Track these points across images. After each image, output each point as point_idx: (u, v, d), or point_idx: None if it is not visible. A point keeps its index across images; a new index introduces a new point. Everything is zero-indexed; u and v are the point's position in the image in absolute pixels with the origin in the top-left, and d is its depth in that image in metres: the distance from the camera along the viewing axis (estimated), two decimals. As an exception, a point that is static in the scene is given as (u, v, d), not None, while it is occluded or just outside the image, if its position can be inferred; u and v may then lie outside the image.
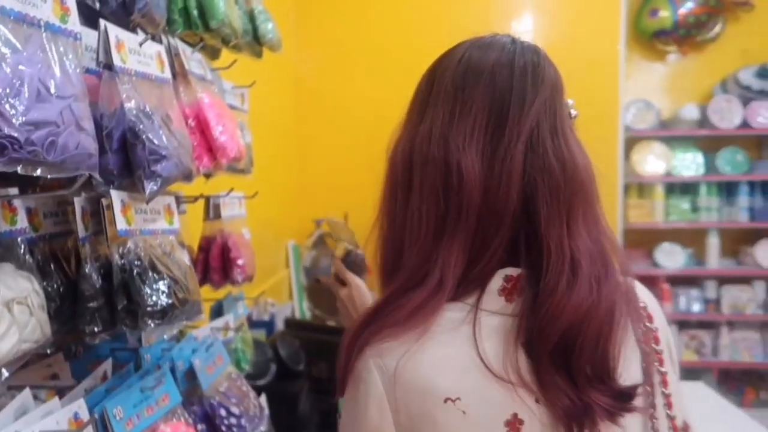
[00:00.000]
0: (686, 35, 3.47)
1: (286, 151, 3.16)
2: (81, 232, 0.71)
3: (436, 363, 0.58)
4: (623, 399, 0.59)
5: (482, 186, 0.60)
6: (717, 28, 3.48)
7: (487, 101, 0.63)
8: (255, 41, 1.17)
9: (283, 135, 3.11)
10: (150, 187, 0.69)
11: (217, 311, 1.24)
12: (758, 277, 3.35)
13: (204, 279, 1.18)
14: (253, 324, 1.96)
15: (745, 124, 3.37)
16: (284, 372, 1.61)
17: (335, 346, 2.06)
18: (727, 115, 3.38)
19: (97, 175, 0.64)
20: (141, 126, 0.69)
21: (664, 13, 3.45)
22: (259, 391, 1.27)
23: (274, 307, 2.14)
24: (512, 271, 0.61)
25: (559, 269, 0.58)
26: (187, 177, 0.79)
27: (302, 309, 2.89)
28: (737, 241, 3.50)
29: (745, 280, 3.38)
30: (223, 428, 0.90)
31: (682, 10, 3.43)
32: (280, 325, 2.06)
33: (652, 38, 3.51)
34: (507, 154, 0.61)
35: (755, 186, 3.41)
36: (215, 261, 1.16)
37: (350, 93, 3.30)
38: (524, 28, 3.24)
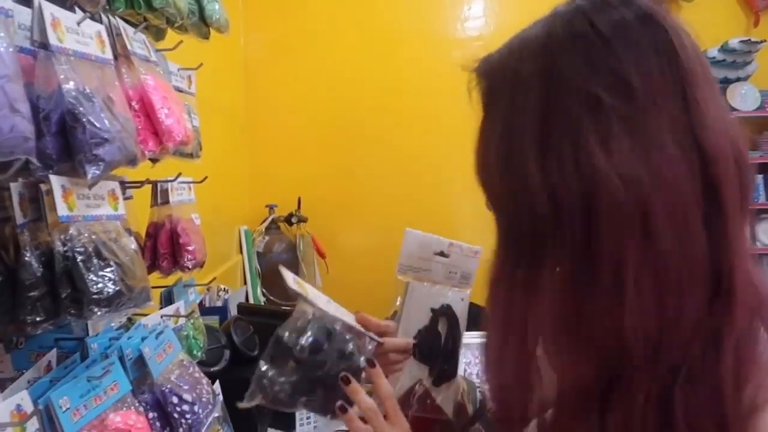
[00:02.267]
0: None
1: (238, 136, 3.11)
2: (19, 218, 0.68)
3: None
4: None
5: None
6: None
7: None
8: (201, 22, 1.15)
9: (235, 119, 3.05)
10: (92, 171, 0.67)
11: (168, 298, 1.22)
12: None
13: (153, 266, 1.15)
14: (206, 310, 1.93)
15: (685, 109, 3.49)
16: (238, 358, 1.60)
17: (290, 330, 2.00)
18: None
19: (34, 160, 0.61)
20: (81, 108, 0.67)
21: (611, 0, 3.53)
22: (213, 377, 1.26)
23: (227, 293, 2.12)
24: None
25: None
26: (132, 161, 0.77)
27: (256, 295, 2.87)
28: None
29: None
30: (176, 415, 0.89)
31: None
32: (233, 311, 2.04)
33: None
34: None
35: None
36: (164, 247, 1.14)
37: (302, 76, 3.27)
38: (475, 15, 3.26)
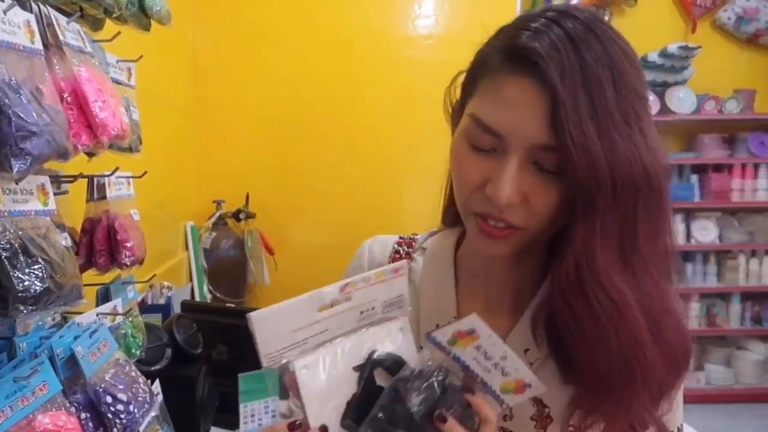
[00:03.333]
0: (576, 25, 3.66)
1: (185, 130, 3.04)
2: (-61, 213, 0.65)
3: None
4: None
5: None
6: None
7: None
8: (141, 13, 1.12)
9: (182, 113, 2.99)
10: (18, 166, 0.65)
11: (105, 296, 1.19)
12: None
13: (89, 263, 1.12)
14: (148, 308, 1.89)
15: (627, 111, 3.62)
16: (181, 356, 1.57)
17: (235, 328, 2.02)
18: (612, 102, 3.62)
19: (-46, 153, 0.59)
20: (6, 100, 0.64)
21: (556, 3, 3.63)
22: (153, 376, 1.23)
23: (170, 290, 2.07)
24: None
25: None
26: (63, 155, 0.75)
27: (202, 292, 2.82)
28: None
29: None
30: (109, 415, 0.87)
31: (573, 1, 3.62)
32: (177, 309, 2.00)
33: (546, 27, 3.68)
34: None
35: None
36: (101, 244, 1.11)
37: (252, 71, 3.22)
38: (425, 14, 3.29)
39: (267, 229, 3.17)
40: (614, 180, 0.60)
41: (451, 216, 0.87)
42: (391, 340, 0.65)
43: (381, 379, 0.62)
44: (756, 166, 3.71)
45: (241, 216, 3.08)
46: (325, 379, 0.61)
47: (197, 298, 2.74)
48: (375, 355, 0.62)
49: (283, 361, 0.60)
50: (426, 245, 0.90)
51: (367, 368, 0.61)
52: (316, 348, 0.62)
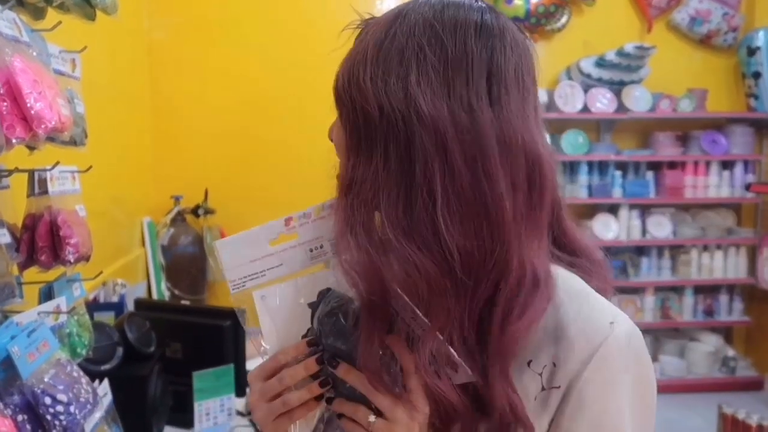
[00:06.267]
0: (536, 24, 3.71)
1: (141, 124, 2.98)
2: None
3: None
4: None
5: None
6: (564, 19, 3.77)
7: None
8: (85, 2, 1.08)
9: (137, 106, 2.92)
10: (-58, 158, 0.62)
11: (48, 295, 1.15)
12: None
13: (30, 260, 1.09)
14: (100, 307, 1.85)
15: (585, 109, 3.69)
16: (133, 355, 1.54)
17: (190, 325, 1.98)
18: (571, 100, 3.69)
19: None
20: (-72, 90, 0.61)
21: (518, 2, 3.66)
22: (103, 376, 1.20)
23: (124, 288, 2.03)
24: None
25: None
26: (-6, 148, 0.72)
27: (160, 289, 2.77)
28: (578, 215, 3.82)
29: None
30: (48, 417, 0.85)
31: (534, 0, 3.66)
32: (131, 307, 1.96)
33: (507, 24, 3.72)
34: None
35: (593, 165, 3.76)
36: (42, 240, 1.07)
37: (209, 63, 3.17)
38: (387, 5, 3.28)
39: (227, 225, 3.13)
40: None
41: None
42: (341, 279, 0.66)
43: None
44: (707, 164, 3.82)
45: (200, 212, 3.03)
46: (280, 310, 0.66)
47: (154, 296, 2.69)
48: (327, 294, 0.65)
49: (246, 288, 0.66)
50: None
51: (318, 306, 0.64)
52: (273, 281, 0.67)
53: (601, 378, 0.58)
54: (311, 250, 0.68)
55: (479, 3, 0.62)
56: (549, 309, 0.59)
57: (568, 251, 0.67)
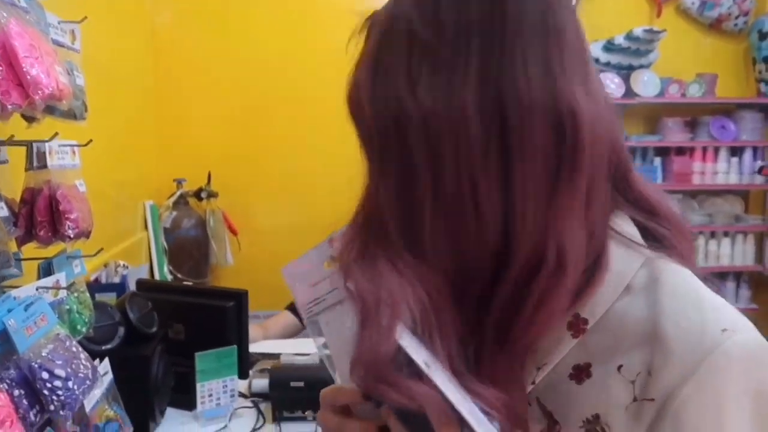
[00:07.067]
0: (544, 6, 3.65)
1: (144, 105, 2.95)
2: None
3: None
4: None
5: None
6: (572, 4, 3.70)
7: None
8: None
9: (141, 87, 2.89)
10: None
11: (47, 270, 1.13)
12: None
13: (29, 234, 1.07)
14: (102, 287, 1.83)
15: (593, 93, 3.64)
16: (135, 335, 1.52)
17: (192, 306, 1.96)
18: (579, 84, 3.63)
19: None
20: None
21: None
22: (104, 356, 1.19)
23: (126, 269, 2.01)
24: None
25: None
26: (-12, 113, 0.70)
27: (162, 272, 2.76)
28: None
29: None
30: (46, 391, 0.83)
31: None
32: (133, 288, 1.94)
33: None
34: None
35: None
36: (41, 214, 1.05)
37: (214, 46, 3.14)
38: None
39: (230, 208, 3.11)
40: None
41: None
42: None
43: None
44: (716, 150, 3.77)
45: (203, 195, 3.01)
46: (346, 336, 0.61)
47: (158, 278, 2.68)
48: None
49: (313, 314, 0.63)
50: None
51: None
52: (334, 305, 0.63)
53: (704, 399, 0.46)
54: None
55: None
56: (644, 308, 0.50)
57: (645, 210, 0.56)
